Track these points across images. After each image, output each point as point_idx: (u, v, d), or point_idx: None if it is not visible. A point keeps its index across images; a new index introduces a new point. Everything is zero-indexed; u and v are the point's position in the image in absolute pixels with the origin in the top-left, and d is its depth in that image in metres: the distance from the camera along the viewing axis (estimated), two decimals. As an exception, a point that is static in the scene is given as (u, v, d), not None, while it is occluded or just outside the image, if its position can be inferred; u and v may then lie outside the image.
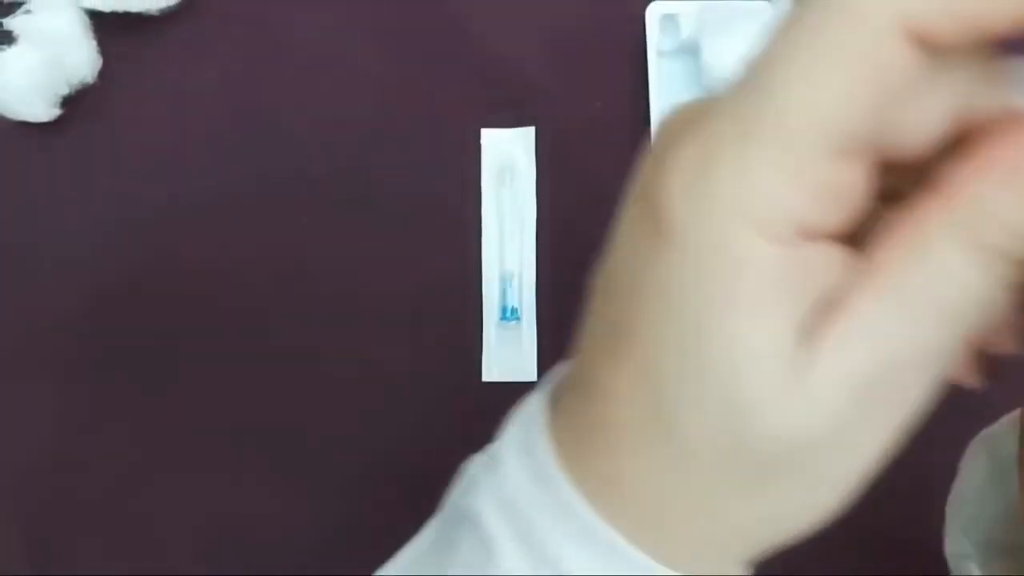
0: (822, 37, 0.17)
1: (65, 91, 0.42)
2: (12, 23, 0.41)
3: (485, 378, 0.42)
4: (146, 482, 0.41)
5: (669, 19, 0.44)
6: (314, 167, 0.43)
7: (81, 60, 0.42)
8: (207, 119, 0.43)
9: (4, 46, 0.41)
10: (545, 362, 0.41)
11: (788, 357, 0.18)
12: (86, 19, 0.42)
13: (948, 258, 0.18)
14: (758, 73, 0.18)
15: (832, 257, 0.19)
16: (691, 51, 0.43)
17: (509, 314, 0.42)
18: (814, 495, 0.19)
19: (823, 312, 0.18)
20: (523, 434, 0.21)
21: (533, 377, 0.42)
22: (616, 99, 0.44)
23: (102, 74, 0.42)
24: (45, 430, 0.41)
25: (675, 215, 0.18)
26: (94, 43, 0.42)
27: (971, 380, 0.21)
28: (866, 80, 0.17)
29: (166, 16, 0.43)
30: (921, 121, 0.18)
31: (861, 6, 0.17)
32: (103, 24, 0.42)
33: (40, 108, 0.41)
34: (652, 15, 0.43)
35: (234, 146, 0.43)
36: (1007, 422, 0.29)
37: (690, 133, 0.19)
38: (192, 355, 0.42)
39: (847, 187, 0.18)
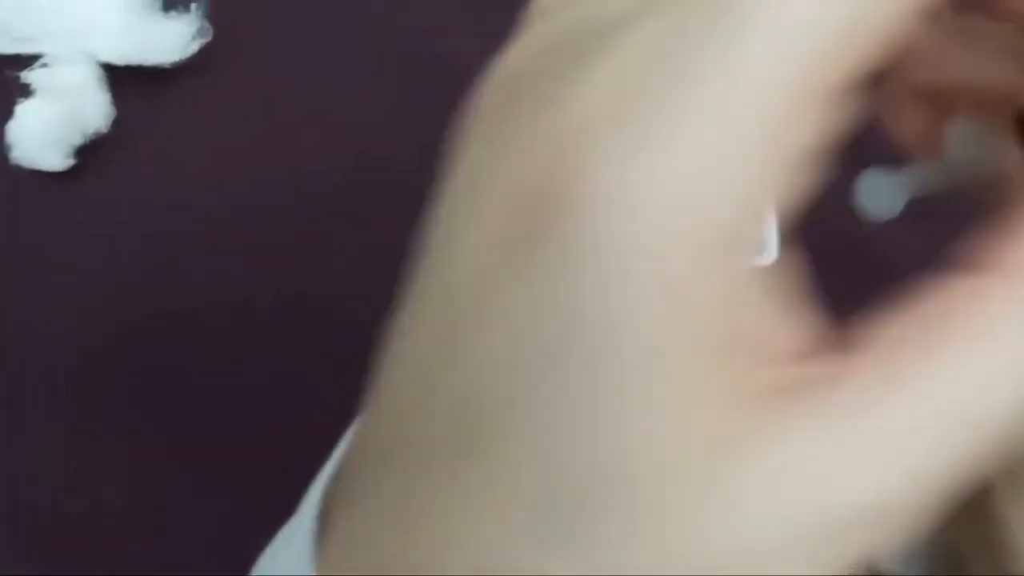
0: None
1: (79, 141, 0.43)
2: (30, 76, 0.43)
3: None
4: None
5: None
6: (325, 218, 0.44)
7: (95, 111, 0.43)
8: (217, 170, 0.45)
9: (22, 99, 0.43)
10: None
11: (729, 450, 0.11)
12: (101, 72, 0.43)
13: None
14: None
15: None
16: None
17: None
18: None
19: (786, 392, 0.12)
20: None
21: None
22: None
23: (115, 124, 0.44)
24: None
25: (580, 209, 0.11)
26: (108, 95, 0.43)
27: None
28: None
29: (178, 69, 0.44)
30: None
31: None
32: (117, 76, 0.44)
33: (55, 158, 0.42)
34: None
35: (244, 196, 0.44)
36: None
37: (610, 37, 0.11)
38: (196, 396, 0.43)
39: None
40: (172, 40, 0.44)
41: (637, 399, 0.11)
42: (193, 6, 0.44)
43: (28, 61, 0.43)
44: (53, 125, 0.42)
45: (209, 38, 0.44)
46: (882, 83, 0.15)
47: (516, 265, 0.11)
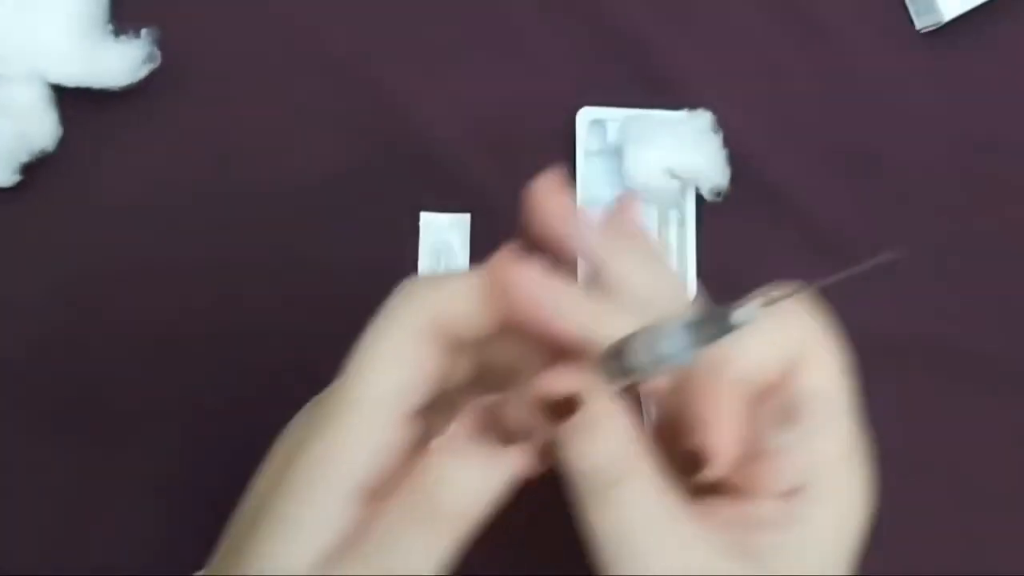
0: (382, 336, 0.26)
1: (26, 159, 0.44)
2: (-21, 94, 0.43)
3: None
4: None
5: (597, 123, 0.48)
6: (263, 243, 0.46)
7: (43, 131, 0.44)
8: (160, 193, 0.46)
9: (-30, 116, 0.43)
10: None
11: None
12: (50, 92, 0.44)
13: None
14: (354, 353, 0.26)
15: None
16: (615, 153, 0.47)
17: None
18: None
19: None
20: None
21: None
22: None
23: (62, 144, 0.44)
24: None
25: (285, 475, 0.26)
26: (56, 115, 0.44)
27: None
28: (411, 366, 0.25)
29: (126, 93, 0.45)
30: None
31: (402, 316, 0.26)
32: (66, 97, 0.45)
33: (1, 174, 0.43)
34: (582, 119, 0.48)
35: (185, 219, 0.46)
36: None
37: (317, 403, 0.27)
38: (139, 413, 0.44)
39: (401, 449, 0.26)
40: (121, 64, 0.45)
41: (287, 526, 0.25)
42: (143, 31, 0.45)
43: (-23, 79, 0.44)
44: (1, 142, 0.43)
45: (158, 63, 0.45)
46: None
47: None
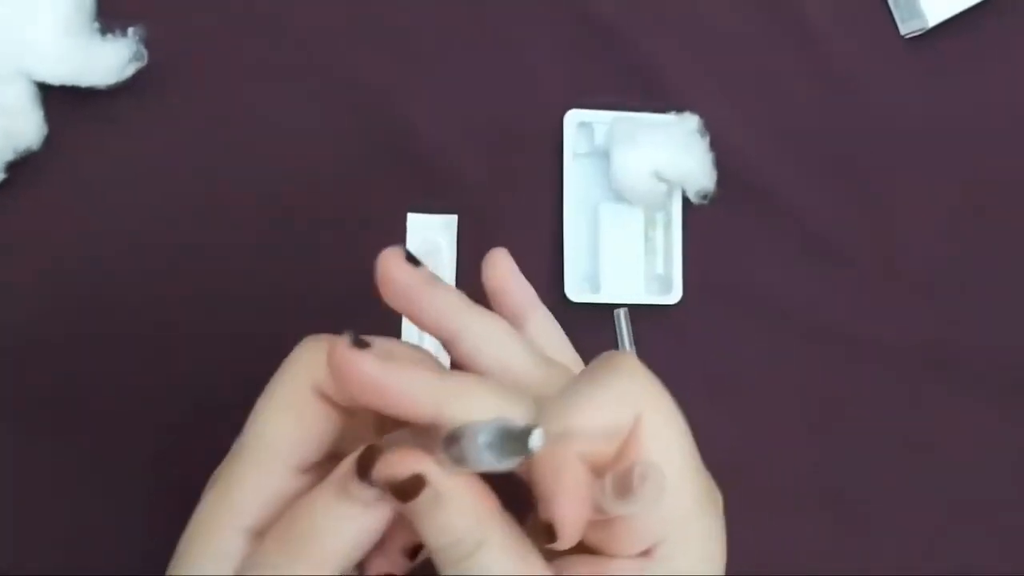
0: (275, 390, 0.28)
1: (11, 157, 0.43)
2: (-37, 91, 0.43)
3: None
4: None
5: (585, 126, 0.48)
6: (250, 243, 0.46)
7: (28, 129, 0.43)
8: (145, 192, 0.45)
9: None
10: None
11: None
12: (36, 91, 0.44)
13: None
14: (253, 416, 0.28)
15: None
16: (602, 156, 0.48)
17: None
18: None
19: None
20: None
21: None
22: (533, 193, 0.48)
23: (48, 143, 0.44)
24: None
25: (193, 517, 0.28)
26: (42, 113, 0.44)
27: None
28: (302, 422, 0.27)
29: (113, 91, 0.45)
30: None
31: (293, 374, 0.28)
32: (52, 96, 0.44)
33: (-14, 172, 0.43)
34: (570, 121, 0.48)
35: (171, 218, 0.45)
36: None
37: None
38: (126, 411, 0.43)
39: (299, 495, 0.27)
40: (108, 63, 0.45)
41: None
42: (130, 30, 0.45)
43: (-38, 76, 0.44)
44: (-15, 140, 0.42)
45: (144, 62, 0.45)
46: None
47: None
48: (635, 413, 0.27)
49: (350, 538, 0.26)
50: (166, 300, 0.45)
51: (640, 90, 0.49)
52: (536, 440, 0.23)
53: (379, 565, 0.29)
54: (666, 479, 0.26)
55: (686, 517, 0.28)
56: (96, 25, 0.45)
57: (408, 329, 0.45)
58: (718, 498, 0.29)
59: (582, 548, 0.28)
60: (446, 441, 0.25)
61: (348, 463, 0.26)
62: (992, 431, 0.50)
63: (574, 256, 0.47)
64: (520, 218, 0.48)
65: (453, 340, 0.29)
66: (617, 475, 0.26)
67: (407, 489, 0.25)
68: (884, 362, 0.49)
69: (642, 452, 0.27)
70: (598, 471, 0.27)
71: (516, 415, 0.25)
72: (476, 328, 0.29)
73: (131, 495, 0.43)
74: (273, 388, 0.28)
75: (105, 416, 0.44)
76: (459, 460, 0.25)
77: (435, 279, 0.29)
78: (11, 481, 0.43)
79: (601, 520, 0.27)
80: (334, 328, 0.44)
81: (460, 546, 0.26)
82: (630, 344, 0.47)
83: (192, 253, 0.45)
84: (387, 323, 0.45)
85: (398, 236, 0.46)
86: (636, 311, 0.48)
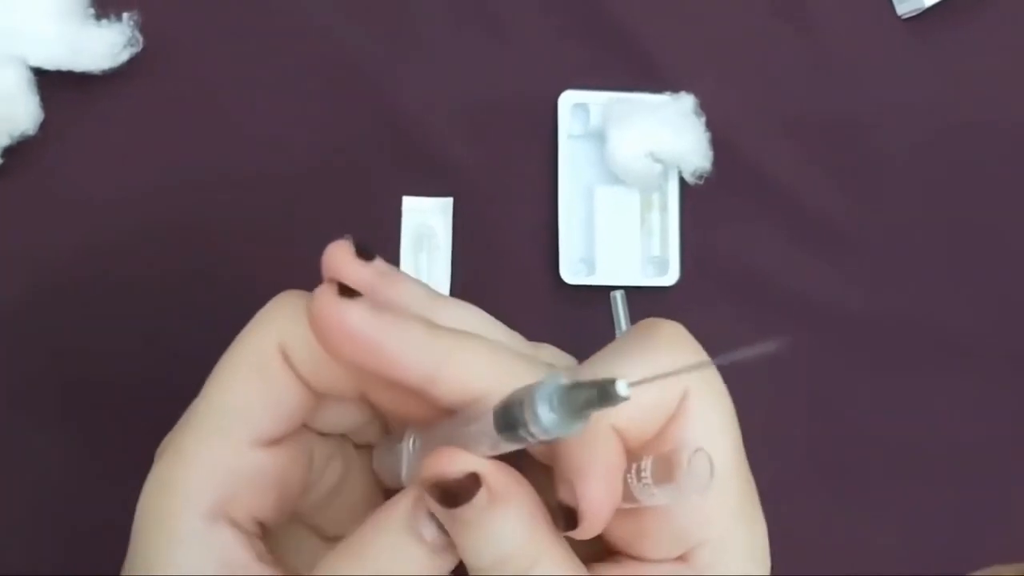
0: (236, 352, 0.24)
1: (6, 143, 0.43)
2: (-42, 76, 0.43)
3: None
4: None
5: (580, 107, 0.48)
6: (245, 228, 0.46)
7: (24, 114, 0.44)
8: (141, 177, 0.46)
9: (-50, 98, 0.43)
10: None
11: None
12: (31, 75, 0.44)
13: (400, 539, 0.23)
14: (210, 380, 0.24)
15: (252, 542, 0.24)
16: (598, 137, 0.47)
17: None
18: None
19: None
20: None
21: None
22: (529, 176, 0.48)
23: (43, 128, 0.44)
24: None
25: (142, 496, 0.24)
26: (37, 98, 0.44)
27: None
28: (269, 388, 0.24)
29: (108, 76, 0.45)
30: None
31: (258, 333, 0.24)
32: (47, 81, 0.44)
33: (-19, 158, 0.43)
34: (564, 102, 0.48)
35: (166, 202, 0.46)
36: None
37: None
38: (120, 399, 0.44)
39: (271, 471, 0.24)
40: (103, 47, 0.45)
41: None
42: (125, 15, 0.45)
43: (-43, 61, 0.44)
44: (-20, 125, 0.42)
45: (140, 47, 0.45)
46: None
47: None
48: (681, 390, 0.24)
49: None
50: (162, 283, 0.45)
51: (635, 70, 0.49)
52: (623, 388, 0.19)
53: None
54: (714, 472, 0.22)
55: (731, 517, 0.24)
56: (91, 10, 0.45)
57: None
58: (757, 502, 0.26)
59: (604, 550, 0.25)
60: (500, 412, 0.21)
61: (413, 496, 0.22)
62: (988, 406, 0.50)
63: (569, 238, 0.47)
64: (516, 200, 0.48)
65: (434, 382, 0.24)
66: (659, 458, 0.22)
67: (459, 491, 0.21)
68: (881, 341, 0.49)
69: (687, 435, 0.24)
70: (630, 454, 0.24)
71: (535, 376, 0.21)
72: (448, 317, 0.25)
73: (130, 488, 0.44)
74: (237, 348, 0.24)
75: (102, 402, 0.44)
76: (514, 434, 0.21)
77: (382, 310, 0.24)
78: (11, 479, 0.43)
79: (629, 513, 0.24)
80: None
81: (511, 563, 0.22)
82: (627, 327, 0.47)
83: (187, 237, 0.45)
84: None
85: (394, 219, 0.46)
86: (632, 293, 0.48)
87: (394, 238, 0.46)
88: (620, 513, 0.23)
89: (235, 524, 0.24)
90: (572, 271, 0.47)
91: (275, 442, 0.24)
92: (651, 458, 0.22)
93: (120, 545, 0.33)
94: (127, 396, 0.44)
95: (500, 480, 0.22)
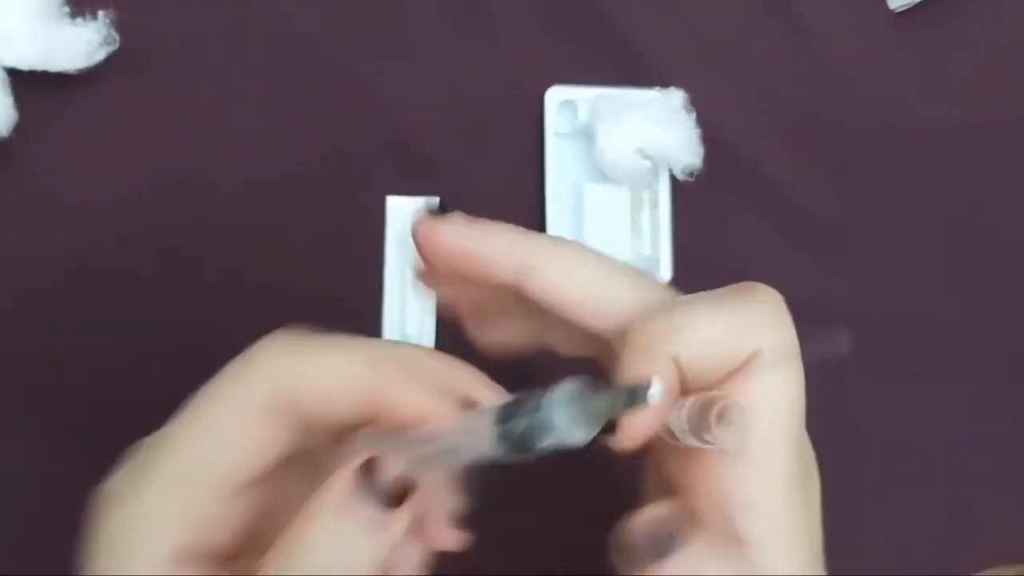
0: (230, 395, 0.23)
1: (-20, 143, 0.43)
2: (-70, 76, 0.42)
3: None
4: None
5: (567, 104, 0.47)
6: (225, 229, 0.45)
7: (-2, 114, 0.43)
8: (117, 177, 0.45)
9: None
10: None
11: None
12: (5, 76, 0.43)
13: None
14: (185, 419, 0.23)
15: None
16: (586, 135, 0.47)
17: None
18: None
19: None
20: None
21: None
22: (515, 174, 0.47)
23: (18, 128, 0.43)
24: None
25: (96, 534, 0.23)
26: (11, 99, 0.43)
27: None
28: (254, 437, 0.23)
29: (84, 76, 0.44)
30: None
31: (248, 382, 0.23)
32: (22, 81, 0.43)
33: (-46, 159, 0.42)
34: (551, 99, 0.47)
35: (144, 204, 0.45)
36: None
37: (131, 460, 0.24)
38: (99, 400, 0.43)
39: (241, 514, 0.23)
40: (78, 47, 0.44)
41: None
42: (101, 13, 0.44)
43: (-71, 62, 0.43)
44: (-47, 127, 0.42)
45: (115, 47, 0.44)
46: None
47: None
48: (754, 347, 0.23)
49: (359, 561, 0.22)
50: (139, 285, 0.44)
51: (624, 66, 0.48)
52: (656, 391, 0.19)
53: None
54: (753, 435, 0.22)
55: (769, 491, 0.23)
56: (66, 9, 0.44)
57: (390, 307, 0.44)
58: (816, 487, 0.25)
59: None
60: (501, 413, 0.21)
61: (347, 469, 0.22)
62: (987, 406, 0.49)
63: (558, 237, 0.46)
64: (502, 199, 0.47)
65: (527, 274, 0.25)
66: (700, 399, 0.22)
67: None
68: (872, 337, 0.49)
69: (745, 393, 0.23)
70: (686, 390, 0.23)
71: (632, 282, 0.24)
72: (550, 254, 0.25)
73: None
74: (223, 390, 0.24)
75: (83, 396, 0.43)
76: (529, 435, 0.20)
77: (476, 221, 0.26)
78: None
79: (680, 455, 0.24)
80: (310, 316, 0.43)
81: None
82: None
83: (166, 238, 0.44)
84: (366, 307, 0.44)
85: (377, 220, 0.46)
86: (623, 293, 0.47)
87: (379, 239, 0.45)
88: (671, 451, 0.24)
89: (200, 560, 0.23)
90: (561, 271, 0.46)
91: (249, 486, 0.23)
92: (694, 398, 0.22)
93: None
94: (103, 397, 0.43)
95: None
